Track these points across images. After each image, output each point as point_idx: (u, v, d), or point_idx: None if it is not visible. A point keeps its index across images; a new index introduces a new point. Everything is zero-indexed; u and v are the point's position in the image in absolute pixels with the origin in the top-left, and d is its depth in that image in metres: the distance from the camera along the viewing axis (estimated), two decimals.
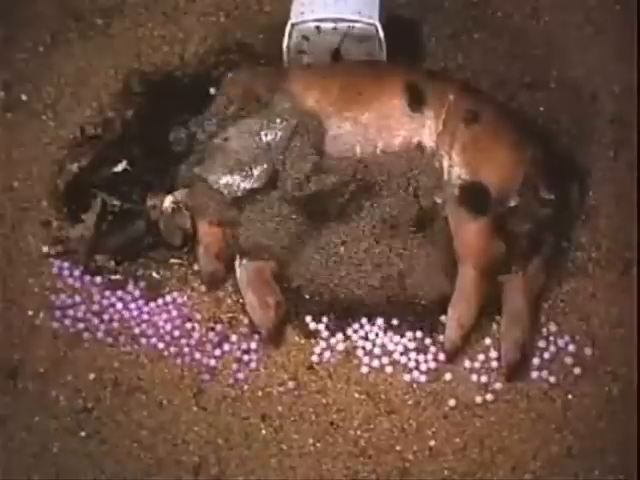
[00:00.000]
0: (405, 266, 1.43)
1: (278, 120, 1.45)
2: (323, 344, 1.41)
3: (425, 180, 1.44)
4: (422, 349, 1.40)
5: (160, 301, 1.45)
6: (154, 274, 1.47)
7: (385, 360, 1.40)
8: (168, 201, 1.47)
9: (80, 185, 1.50)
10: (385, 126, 1.45)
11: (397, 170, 1.45)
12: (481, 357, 1.40)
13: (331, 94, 1.46)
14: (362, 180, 1.43)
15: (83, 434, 1.37)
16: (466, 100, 1.46)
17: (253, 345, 1.42)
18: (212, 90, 1.54)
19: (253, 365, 1.41)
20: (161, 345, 1.42)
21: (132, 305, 1.45)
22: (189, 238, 1.48)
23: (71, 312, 1.45)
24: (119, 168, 1.49)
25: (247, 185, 1.44)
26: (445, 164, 1.44)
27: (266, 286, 1.43)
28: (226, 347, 1.42)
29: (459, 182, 1.43)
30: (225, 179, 1.44)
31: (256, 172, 1.44)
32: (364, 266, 1.43)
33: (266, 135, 1.45)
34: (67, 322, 1.44)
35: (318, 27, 1.50)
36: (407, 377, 1.39)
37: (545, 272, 1.44)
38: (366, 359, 1.40)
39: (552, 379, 1.38)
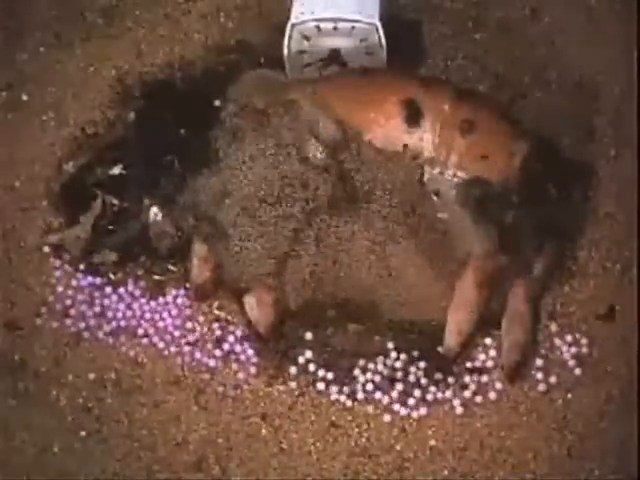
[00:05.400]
0: (401, 278, 1.42)
1: (290, 146, 1.44)
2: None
3: (423, 189, 1.44)
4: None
5: (161, 300, 1.45)
6: (154, 275, 1.48)
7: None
8: (152, 213, 1.47)
9: (76, 185, 1.50)
10: (386, 146, 1.45)
11: (395, 180, 1.44)
12: (482, 357, 1.40)
13: (330, 123, 1.46)
14: (357, 190, 1.44)
15: (83, 433, 1.37)
16: (461, 109, 1.44)
17: (253, 344, 1.42)
18: (217, 102, 1.51)
19: (253, 365, 1.41)
20: (161, 345, 1.43)
21: (133, 304, 1.45)
22: (177, 249, 1.46)
23: (71, 312, 1.45)
24: (115, 171, 1.49)
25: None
26: (443, 173, 1.44)
27: (264, 283, 1.43)
28: (226, 347, 1.42)
29: (457, 190, 1.42)
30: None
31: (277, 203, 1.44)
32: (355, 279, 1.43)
33: (282, 171, 1.44)
34: (67, 322, 1.44)
35: (318, 27, 1.50)
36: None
37: (547, 273, 1.43)
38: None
39: (552, 379, 1.38)
